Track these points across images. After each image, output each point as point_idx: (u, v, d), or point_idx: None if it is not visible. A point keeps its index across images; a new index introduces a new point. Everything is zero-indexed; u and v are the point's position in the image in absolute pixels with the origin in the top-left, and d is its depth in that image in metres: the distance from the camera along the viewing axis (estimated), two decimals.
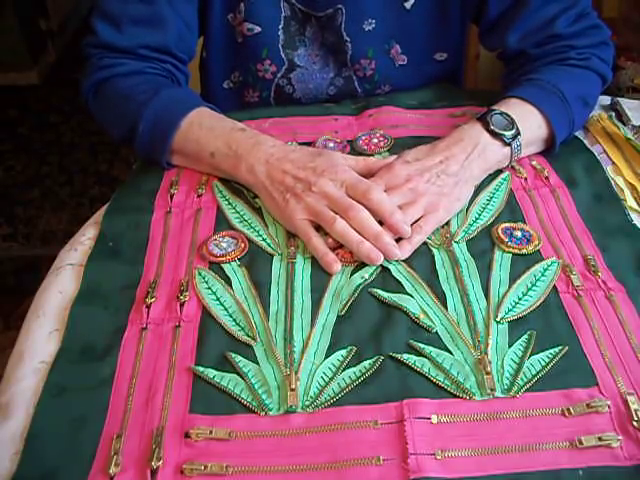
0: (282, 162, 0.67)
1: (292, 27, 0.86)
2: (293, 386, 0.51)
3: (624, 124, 0.82)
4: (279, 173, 0.66)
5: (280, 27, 0.85)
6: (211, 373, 0.52)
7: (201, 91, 0.97)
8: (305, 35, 0.87)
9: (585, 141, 0.79)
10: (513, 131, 0.70)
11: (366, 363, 0.52)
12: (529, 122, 0.72)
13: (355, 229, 0.61)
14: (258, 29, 0.85)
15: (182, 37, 0.81)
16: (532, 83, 0.76)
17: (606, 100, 0.87)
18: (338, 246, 0.63)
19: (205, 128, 0.72)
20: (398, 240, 0.62)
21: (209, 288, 0.60)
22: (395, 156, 0.69)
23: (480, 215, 0.67)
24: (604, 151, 0.78)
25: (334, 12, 0.84)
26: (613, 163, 0.76)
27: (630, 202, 0.69)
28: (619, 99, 0.86)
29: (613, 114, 0.83)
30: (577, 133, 0.79)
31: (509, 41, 0.81)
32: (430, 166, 0.66)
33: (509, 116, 0.70)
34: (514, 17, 0.80)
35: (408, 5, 0.84)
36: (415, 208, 0.64)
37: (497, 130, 0.69)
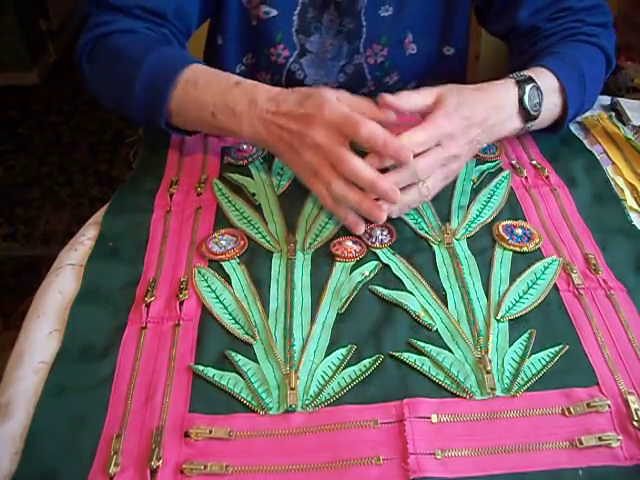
0: (276, 117, 0.65)
1: (309, 13, 0.86)
2: (293, 385, 0.51)
3: (624, 124, 0.82)
4: (276, 129, 0.65)
5: (296, 12, 0.85)
6: (211, 372, 0.52)
7: None
8: (322, 22, 0.86)
9: (585, 141, 0.79)
10: (536, 113, 0.70)
11: (366, 362, 0.52)
12: (549, 100, 0.72)
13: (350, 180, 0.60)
14: (274, 12, 0.84)
15: (181, 8, 0.81)
16: (561, 58, 0.75)
17: (606, 100, 0.87)
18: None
19: (201, 86, 0.70)
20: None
21: (209, 286, 0.60)
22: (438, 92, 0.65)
23: (481, 212, 0.67)
24: (604, 151, 0.77)
25: None
26: (613, 163, 0.75)
27: (630, 202, 0.69)
28: (619, 99, 0.86)
29: (613, 114, 0.83)
30: (577, 133, 0.79)
31: (521, 17, 0.81)
32: (478, 122, 0.65)
33: (541, 95, 0.70)
34: None
35: None
36: (444, 172, 0.64)
37: (527, 105, 0.69)
